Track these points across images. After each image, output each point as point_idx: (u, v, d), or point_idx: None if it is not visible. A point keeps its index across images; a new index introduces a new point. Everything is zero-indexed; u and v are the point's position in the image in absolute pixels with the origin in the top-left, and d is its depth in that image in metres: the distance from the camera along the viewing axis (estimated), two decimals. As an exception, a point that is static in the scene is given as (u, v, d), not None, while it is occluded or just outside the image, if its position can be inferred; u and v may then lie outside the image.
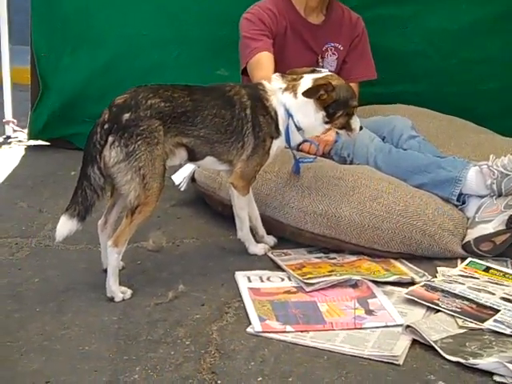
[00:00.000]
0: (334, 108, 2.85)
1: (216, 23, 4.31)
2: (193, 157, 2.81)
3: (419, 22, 4.20)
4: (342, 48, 3.72)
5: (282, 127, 2.87)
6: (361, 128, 3.01)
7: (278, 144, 2.91)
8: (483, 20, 4.16)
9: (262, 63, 3.33)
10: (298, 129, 2.89)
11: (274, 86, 2.88)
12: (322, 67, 3.58)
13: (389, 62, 4.10)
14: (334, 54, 3.71)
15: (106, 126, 2.56)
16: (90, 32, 4.49)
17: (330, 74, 2.96)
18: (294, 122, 2.87)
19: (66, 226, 2.54)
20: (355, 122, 2.95)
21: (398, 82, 4.28)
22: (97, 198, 2.56)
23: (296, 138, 2.95)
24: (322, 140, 3.40)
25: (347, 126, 2.94)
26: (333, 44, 3.69)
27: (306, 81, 2.86)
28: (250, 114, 2.80)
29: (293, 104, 2.85)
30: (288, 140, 2.90)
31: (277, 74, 2.96)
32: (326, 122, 2.89)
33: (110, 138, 2.55)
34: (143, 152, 2.56)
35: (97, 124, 2.59)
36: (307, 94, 2.79)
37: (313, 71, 2.95)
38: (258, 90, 2.87)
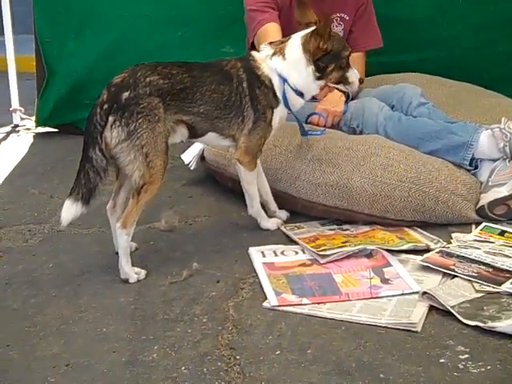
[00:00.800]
0: (326, 61, 2.83)
1: (219, 1, 4.29)
2: (194, 134, 2.78)
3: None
4: (347, 18, 3.68)
5: (279, 94, 2.84)
6: (361, 81, 2.98)
7: (279, 113, 2.88)
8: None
9: (269, 34, 3.30)
10: (295, 91, 2.85)
11: (263, 54, 2.85)
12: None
13: (395, 31, 4.06)
14: (339, 24, 3.68)
15: (105, 107, 2.53)
16: (93, 16, 4.50)
17: (313, 28, 2.87)
18: (290, 85, 2.84)
19: (70, 210, 2.52)
20: (352, 75, 2.92)
21: (406, 51, 4.25)
22: (100, 180, 2.54)
23: (296, 102, 2.90)
24: (330, 111, 3.37)
25: (344, 80, 2.92)
26: (338, 14, 3.66)
27: (294, 39, 2.85)
28: (246, 88, 2.78)
29: (283, 66, 2.82)
30: (287, 105, 2.86)
31: (265, 42, 2.93)
32: (319, 78, 2.86)
33: (111, 118, 2.52)
34: (145, 130, 2.53)
35: (96, 105, 2.56)
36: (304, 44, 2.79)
37: None
38: (249, 60, 2.84)
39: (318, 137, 3.15)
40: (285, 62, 2.83)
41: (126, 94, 2.54)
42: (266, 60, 2.84)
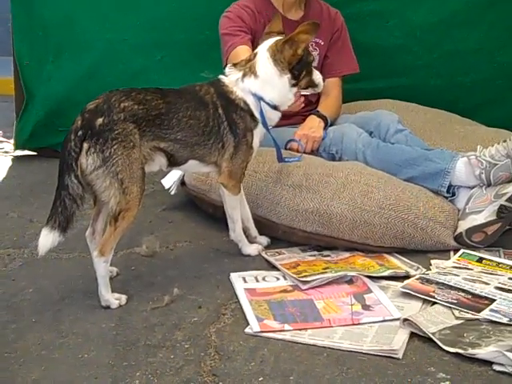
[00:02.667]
0: (298, 68, 2.88)
1: (198, 25, 4.32)
2: (174, 162, 2.77)
3: (400, 16, 4.23)
4: (322, 43, 3.73)
5: (257, 114, 2.86)
6: (323, 79, 3.04)
7: (258, 133, 2.90)
8: (463, 11, 4.18)
9: (240, 57, 3.30)
10: (271, 106, 2.88)
11: (232, 78, 2.86)
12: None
13: (372, 58, 4.13)
14: (315, 49, 3.71)
15: (79, 133, 2.51)
16: (72, 39, 4.49)
17: (278, 38, 2.91)
18: (266, 102, 2.86)
19: (47, 238, 2.49)
20: (318, 77, 2.98)
21: (382, 77, 4.30)
22: (76, 207, 2.52)
23: (273, 117, 2.92)
24: (309, 137, 3.41)
25: (312, 84, 2.97)
26: (313, 39, 3.70)
27: (261, 54, 2.87)
28: (223, 113, 2.79)
29: (257, 85, 2.84)
30: (265, 124, 2.87)
31: (228, 65, 2.94)
32: (293, 85, 2.90)
33: (85, 145, 2.50)
34: (120, 156, 2.51)
35: (70, 131, 2.55)
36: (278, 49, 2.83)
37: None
38: (220, 86, 2.84)
39: (295, 163, 3.18)
40: (258, 80, 2.84)
41: (100, 120, 2.52)
42: (237, 83, 2.85)
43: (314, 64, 3.62)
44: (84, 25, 4.46)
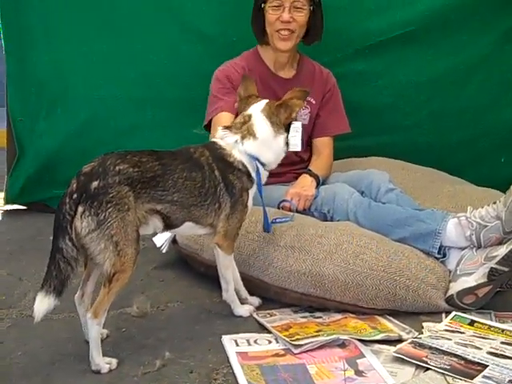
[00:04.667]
0: (289, 129, 3.01)
1: (189, 83, 4.36)
2: (170, 224, 2.78)
3: (389, 75, 4.29)
4: (314, 102, 3.78)
5: (253, 174, 2.91)
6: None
7: (253, 192, 2.95)
8: (452, 72, 4.26)
9: (222, 123, 3.34)
10: (263, 165, 2.95)
11: (229, 141, 2.90)
12: (296, 120, 3.66)
13: (361, 116, 4.17)
14: (306, 107, 3.75)
15: (74, 196, 2.52)
16: (64, 96, 4.52)
17: (267, 100, 3.00)
18: (261, 162, 2.93)
19: (43, 303, 2.48)
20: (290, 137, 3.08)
21: (371, 135, 4.35)
22: (71, 270, 2.51)
23: (264, 176, 2.98)
24: (302, 195, 3.43)
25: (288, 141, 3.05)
26: None
27: (256, 116, 2.93)
28: (219, 175, 2.82)
29: (256, 146, 2.90)
30: (260, 184, 2.93)
31: (220, 127, 2.98)
32: (285, 144, 2.99)
33: (80, 208, 2.51)
34: (114, 219, 2.52)
35: (65, 194, 2.56)
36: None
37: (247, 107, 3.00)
38: (216, 149, 2.88)
39: (287, 224, 3.19)
40: (256, 142, 2.90)
41: (95, 184, 2.54)
42: (235, 146, 2.89)
43: (305, 122, 3.71)
44: (77, 81, 4.50)
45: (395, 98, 4.33)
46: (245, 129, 2.92)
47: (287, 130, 3.00)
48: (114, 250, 2.54)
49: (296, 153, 3.68)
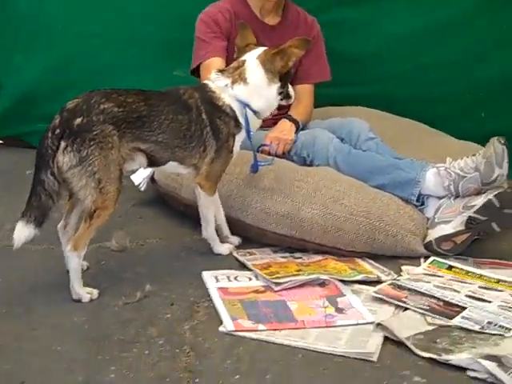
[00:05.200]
0: (286, 78, 2.96)
1: (172, 24, 4.28)
2: (154, 162, 2.79)
3: (376, 25, 4.23)
4: None
5: (241, 120, 2.90)
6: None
7: (240, 138, 2.94)
8: (436, 24, 4.19)
9: (211, 70, 3.28)
10: (255, 113, 2.94)
11: (220, 84, 2.88)
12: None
13: (344, 65, 4.12)
14: None
15: (57, 131, 2.52)
16: (42, 31, 4.42)
17: (265, 48, 2.99)
18: (252, 109, 2.91)
19: (23, 232, 2.49)
20: (291, 89, 3.07)
21: (354, 84, 4.30)
22: (52, 203, 2.52)
23: (255, 124, 2.99)
24: (281, 139, 3.43)
25: (286, 95, 3.04)
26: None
27: (251, 62, 2.91)
28: (206, 119, 2.81)
29: (246, 92, 2.88)
30: (248, 130, 2.93)
31: (214, 71, 2.97)
32: (280, 93, 2.97)
33: (63, 143, 2.51)
34: (97, 157, 2.52)
35: (48, 129, 2.55)
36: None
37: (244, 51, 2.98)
38: (207, 92, 2.86)
39: (267, 166, 3.20)
40: (247, 88, 2.88)
41: (78, 120, 2.52)
42: (226, 90, 2.87)
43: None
44: (56, 17, 4.39)
45: (380, 49, 4.27)
46: (237, 73, 2.90)
47: (282, 80, 2.96)
48: (96, 187, 2.54)
49: None
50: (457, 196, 3.14)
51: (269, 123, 3.70)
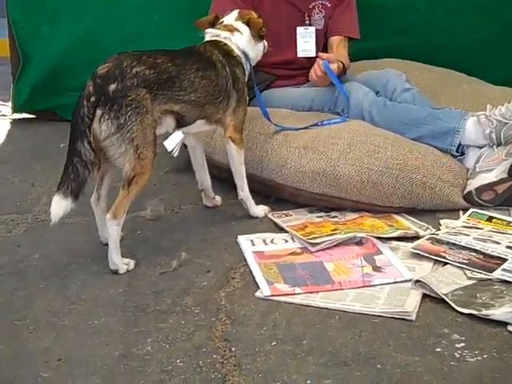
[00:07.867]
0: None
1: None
2: (183, 123, 2.77)
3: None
4: (329, 5, 3.67)
5: (246, 66, 2.99)
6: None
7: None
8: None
9: None
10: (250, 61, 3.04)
11: (224, 36, 2.94)
12: (310, 25, 3.57)
13: (376, 16, 4.07)
14: (320, 11, 3.66)
15: (92, 99, 2.48)
16: (68, 2, 4.40)
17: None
18: (249, 59, 3.00)
19: (60, 205, 2.46)
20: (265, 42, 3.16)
21: (386, 36, 4.22)
22: (88, 173, 2.49)
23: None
24: (334, 58, 3.40)
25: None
26: (320, 1, 3.63)
27: (232, 19, 3.01)
28: (229, 70, 2.84)
29: (244, 42, 2.97)
30: (250, 78, 3.03)
31: (207, 29, 3.00)
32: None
33: (99, 111, 2.47)
34: (134, 123, 2.49)
35: (82, 97, 2.50)
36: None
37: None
38: (222, 46, 2.90)
39: (338, 124, 3.17)
40: (243, 38, 2.97)
41: (113, 87, 2.49)
42: (232, 41, 2.94)
43: (320, 27, 3.65)
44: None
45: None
46: (229, 28, 2.97)
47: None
48: (134, 153, 2.52)
49: (309, 58, 3.58)
50: (498, 144, 3.05)
51: (301, 80, 3.66)
